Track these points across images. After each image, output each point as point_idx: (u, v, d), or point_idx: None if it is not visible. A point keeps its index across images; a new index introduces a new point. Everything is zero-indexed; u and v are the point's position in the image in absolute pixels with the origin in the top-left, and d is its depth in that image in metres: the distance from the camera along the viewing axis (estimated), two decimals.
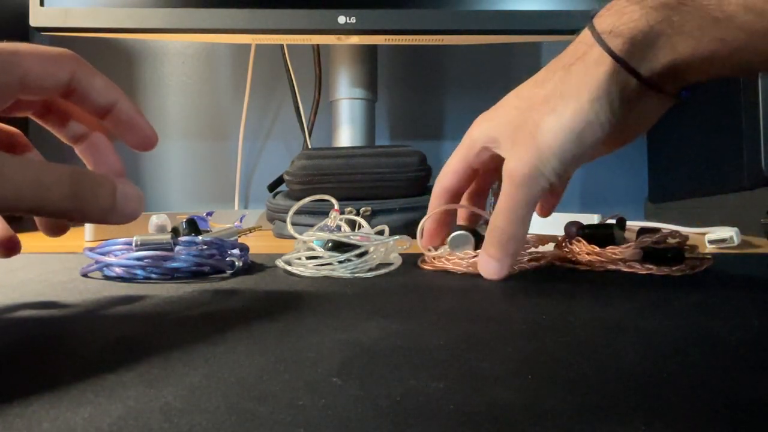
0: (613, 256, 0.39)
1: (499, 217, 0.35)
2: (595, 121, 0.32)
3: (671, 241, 0.39)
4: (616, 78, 0.32)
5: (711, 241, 0.54)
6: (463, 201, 0.43)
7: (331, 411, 0.15)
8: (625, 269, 0.39)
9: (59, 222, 0.29)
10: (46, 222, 0.29)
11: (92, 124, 0.29)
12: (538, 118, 0.33)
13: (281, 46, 0.95)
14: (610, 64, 0.32)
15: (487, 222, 0.49)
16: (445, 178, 0.41)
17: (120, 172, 0.29)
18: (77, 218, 0.23)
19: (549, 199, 0.43)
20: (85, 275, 0.38)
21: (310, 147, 0.93)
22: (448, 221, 0.42)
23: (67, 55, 0.25)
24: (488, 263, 0.35)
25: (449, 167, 0.41)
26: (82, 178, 0.22)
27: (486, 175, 0.42)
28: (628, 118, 0.34)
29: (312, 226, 0.45)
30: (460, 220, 0.44)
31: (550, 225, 0.72)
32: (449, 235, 0.40)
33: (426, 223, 0.42)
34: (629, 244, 0.39)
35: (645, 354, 0.20)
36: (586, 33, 0.34)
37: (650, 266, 0.38)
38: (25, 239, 0.64)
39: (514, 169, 0.34)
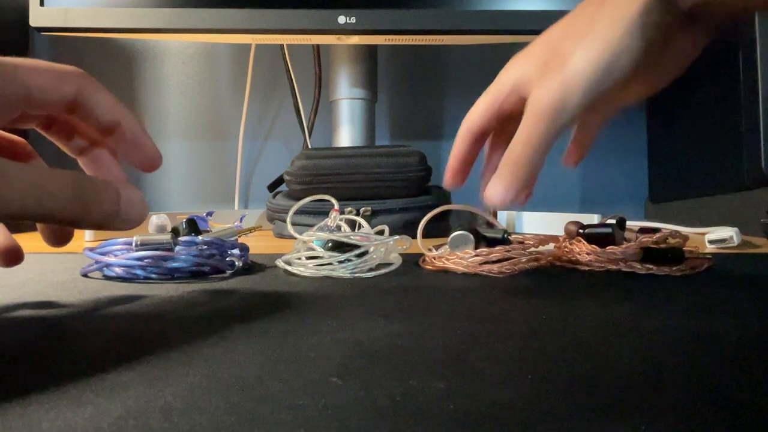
0: (614, 255, 0.39)
1: (515, 146, 0.34)
2: (626, 55, 0.31)
3: (671, 241, 0.39)
4: (651, 10, 0.31)
5: (711, 241, 0.54)
6: (486, 147, 0.42)
7: (331, 411, 0.15)
8: (626, 269, 0.39)
9: (62, 231, 0.28)
10: (50, 231, 0.28)
11: (96, 141, 0.29)
12: (568, 50, 0.33)
13: (281, 46, 0.95)
14: None
15: (487, 222, 0.49)
16: (470, 119, 0.40)
17: (124, 184, 0.29)
18: (81, 224, 0.22)
19: (576, 146, 0.42)
20: (85, 275, 0.38)
21: (310, 147, 0.93)
22: (471, 161, 0.41)
23: (74, 71, 0.25)
24: (494, 187, 0.34)
25: (476, 108, 0.39)
26: (86, 183, 0.22)
27: (512, 122, 0.40)
28: (661, 57, 0.33)
29: (312, 226, 0.45)
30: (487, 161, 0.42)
31: (550, 225, 0.72)
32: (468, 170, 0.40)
33: (449, 161, 0.41)
34: (629, 244, 0.39)
35: (645, 354, 0.20)
36: None
37: (650, 266, 0.38)
38: (25, 239, 0.64)
39: (538, 99, 0.33)
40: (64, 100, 0.25)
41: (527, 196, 0.35)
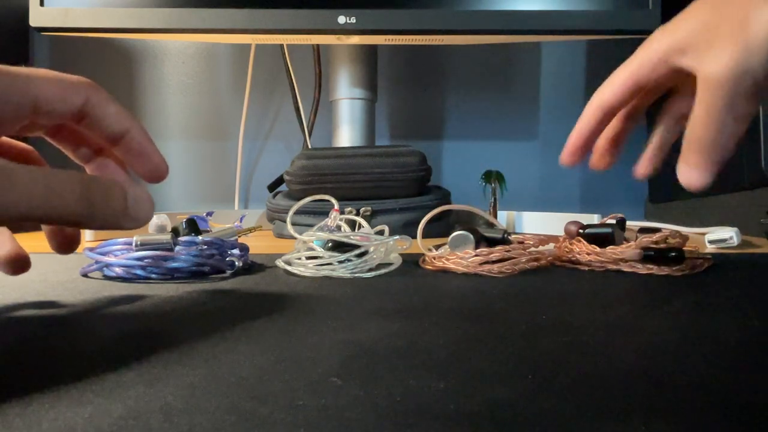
0: (614, 255, 0.39)
1: (696, 126, 0.32)
2: None
3: (671, 241, 0.39)
4: None
5: (711, 241, 0.54)
6: (615, 122, 0.40)
7: (331, 411, 0.15)
8: (626, 269, 0.39)
9: (69, 236, 0.28)
10: (56, 236, 0.28)
11: (103, 149, 0.29)
12: (744, 12, 0.30)
13: (281, 46, 0.95)
14: None
15: (487, 222, 0.49)
16: (606, 92, 0.37)
17: (130, 182, 0.29)
18: (89, 224, 0.22)
19: (658, 150, 0.40)
20: (85, 275, 0.38)
21: (310, 147, 0.93)
22: (594, 139, 0.39)
23: (82, 82, 0.25)
24: (689, 172, 0.33)
25: (614, 81, 0.37)
26: (93, 182, 0.22)
27: (650, 95, 0.39)
28: None
29: (312, 226, 0.45)
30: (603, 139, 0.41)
31: (550, 225, 0.72)
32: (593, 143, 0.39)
33: (571, 137, 0.39)
34: (629, 244, 0.39)
35: (645, 354, 0.20)
36: None
37: (651, 266, 0.38)
38: (25, 239, 0.64)
39: (715, 69, 0.31)
40: (72, 110, 0.25)
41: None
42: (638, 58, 0.36)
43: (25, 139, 0.28)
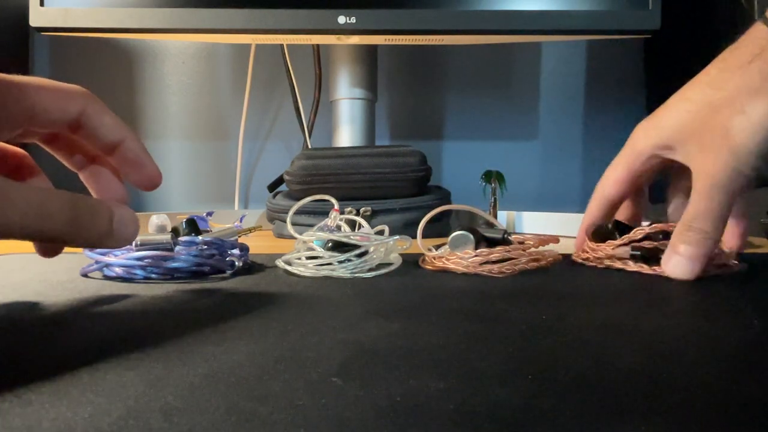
0: (607, 252, 0.39)
1: (699, 220, 0.35)
2: None
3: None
4: None
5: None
6: (623, 205, 0.44)
7: (331, 411, 0.15)
8: (619, 266, 0.39)
9: (55, 245, 0.29)
10: (42, 244, 0.29)
11: (98, 158, 0.29)
12: (725, 119, 0.34)
13: (281, 46, 0.95)
14: None
15: (487, 222, 0.49)
16: (608, 188, 0.42)
17: (123, 199, 0.29)
18: (75, 243, 0.23)
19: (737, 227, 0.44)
20: (85, 275, 0.38)
21: (310, 147, 0.93)
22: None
23: (78, 91, 0.26)
24: (681, 263, 0.35)
25: (612, 177, 0.41)
26: (82, 203, 0.23)
27: (647, 177, 0.43)
28: None
29: (312, 226, 0.45)
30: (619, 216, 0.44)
31: (550, 225, 0.72)
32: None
33: (581, 230, 0.43)
34: (621, 240, 0.39)
35: (645, 354, 0.20)
36: (759, 29, 0.34)
37: (642, 265, 0.38)
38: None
39: (712, 172, 0.34)
40: (68, 118, 0.25)
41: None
42: (628, 154, 0.40)
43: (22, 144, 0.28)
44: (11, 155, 0.28)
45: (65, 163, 0.29)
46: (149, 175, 0.28)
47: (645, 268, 0.38)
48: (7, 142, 0.27)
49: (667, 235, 0.39)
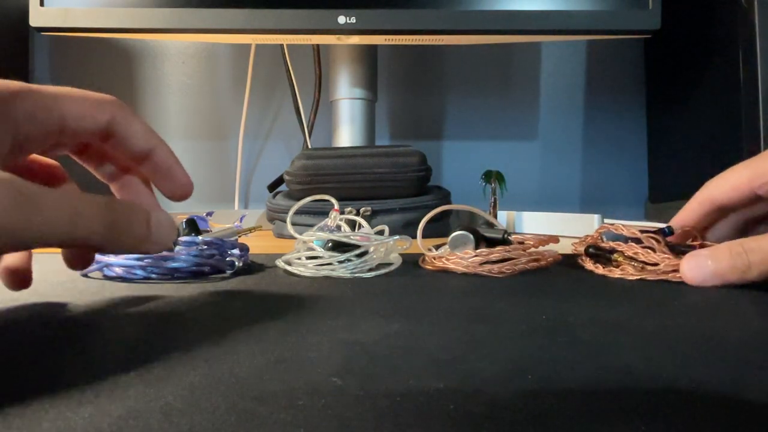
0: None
1: (758, 253, 0.31)
2: None
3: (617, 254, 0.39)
4: None
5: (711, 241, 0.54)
6: (727, 220, 0.39)
7: (331, 411, 0.15)
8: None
9: (85, 254, 0.28)
10: (73, 256, 0.28)
11: (128, 167, 0.29)
12: None
13: (281, 46, 0.95)
14: None
15: (487, 222, 0.49)
16: (718, 189, 0.37)
17: (154, 208, 0.29)
18: (113, 248, 0.22)
19: None
20: (85, 275, 0.38)
21: (310, 147, 0.93)
22: (695, 226, 0.39)
23: (107, 100, 0.25)
24: (704, 266, 0.32)
25: (730, 181, 0.36)
26: (118, 206, 0.22)
27: (757, 205, 0.38)
28: None
29: (312, 226, 0.45)
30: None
31: (550, 225, 0.72)
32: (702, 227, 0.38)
33: (676, 219, 0.39)
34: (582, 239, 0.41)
35: (645, 354, 0.20)
36: None
37: (597, 265, 0.39)
38: None
39: None
40: (99, 128, 0.25)
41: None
42: (758, 166, 0.35)
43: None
44: (43, 166, 0.28)
45: (96, 174, 0.29)
46: (181, 184, 0.28)
47: (599, 269, 0.38)
48: (40, 155, 0.27)
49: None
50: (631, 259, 0.37)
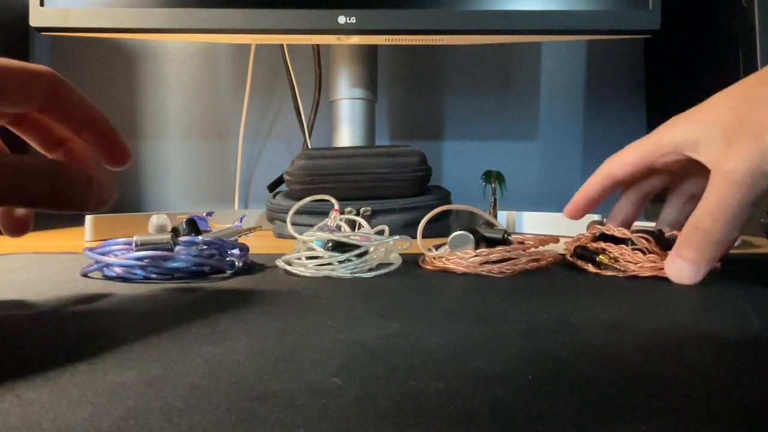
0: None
1: (705, 218, 0.32)
2: None
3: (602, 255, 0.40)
4: None
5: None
6: (626, 196, 0.43)
7: (331, 411, 0.15)
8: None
9: (23, 219, 0.29)
10: (9, 220, 0.29)
11: (66, 138, 0.29)
12: (762, 116, 0.31)
13: (281, 46, 0.95)
14: None
15: (487, 222, 0.49)
16: (616, 165, 0.39)
17: (93, 168, 0.29)
18: (58, 206, 0.23)
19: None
20: (85, 275, 0.38)
21: (310, 147, 0.93)
22: (597, 202, 0.42)
23: (45, 71, 0.26)
24: (681, 266, 0.32)
25: (625, 157, 0.39)
26: (60, 168, 0.23)
27: (658, 179, 0.41)
28: None
29: (312, 226, 0.45)
30: (620, 214, 0.43)
31: (550, 225, 0.72)
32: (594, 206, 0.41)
33: (577, 195, 0.42)
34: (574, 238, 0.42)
35: (645, 354, 0.20)
36: None
37: (582, 263, 0.40)
38: (25, 239, 0.64)
39: (733, 169, 0.31)
40: (36, 99, 0.25)
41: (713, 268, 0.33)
42: (652, 143, 0.37)
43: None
44: None
45: (34, 145, 0.30)
46: (120, 152, 0.28)
47: (591, 268, 0.39)
48: None
49: (606, 237, 0.40)
50: (615, 260, 0.38)
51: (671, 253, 0.34)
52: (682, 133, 0.36)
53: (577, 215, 0.42)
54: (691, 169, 0.38)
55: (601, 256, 0.38)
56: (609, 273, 0.38)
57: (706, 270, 0.32)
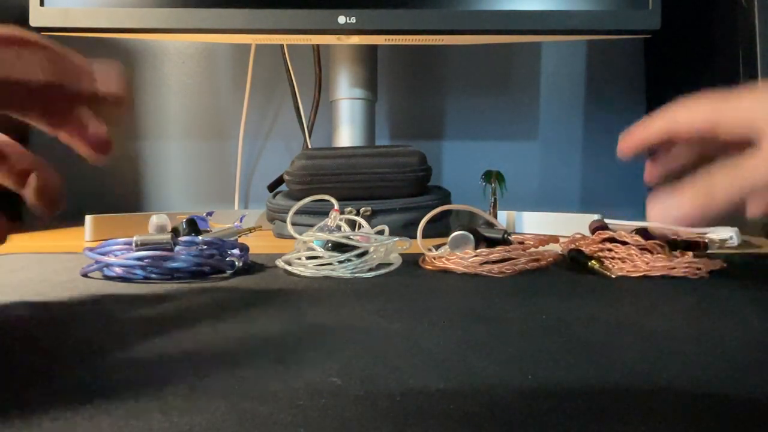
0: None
1: (724, 176, 0.29)
2: None
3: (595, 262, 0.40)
4: None
5: (711, 242, 0.54)
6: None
7: (331, 411, 0.15)
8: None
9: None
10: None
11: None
12: None
13: (281, 46, 0.95)
14: None
15: (487, 222, 0.49)
16: (683, 114, 0.35)
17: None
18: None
19: None
20: (85, 275, 0.38)
21: (310, 147, 0.93)
22: (646, 148, 0.39)
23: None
24: (676, 202, 0.29)
25: (694, 112, 0.35)
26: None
27: (703, 144, 0.37)
28: None
29: (312, 226, 0.45)
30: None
31: (550, 225, 0.72)
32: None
33: (633, 133, 0.38)
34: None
35: (645, 354, 0.20)
36: None
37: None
38: (25, 239, 0.64)
39: None
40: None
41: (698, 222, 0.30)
42: (720, 110, 0.34)
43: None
44: None
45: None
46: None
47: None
48: None
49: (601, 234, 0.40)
50: (602, 263, 0.38)
51: (675, 193, 0.30)
52: (751, 110, 0.32)
53: (629, 153, 0.38)
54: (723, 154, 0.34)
55: (592, 261, 0.38)
56: (617, 274, 0.38)
57: (699, 218, 0.29)
